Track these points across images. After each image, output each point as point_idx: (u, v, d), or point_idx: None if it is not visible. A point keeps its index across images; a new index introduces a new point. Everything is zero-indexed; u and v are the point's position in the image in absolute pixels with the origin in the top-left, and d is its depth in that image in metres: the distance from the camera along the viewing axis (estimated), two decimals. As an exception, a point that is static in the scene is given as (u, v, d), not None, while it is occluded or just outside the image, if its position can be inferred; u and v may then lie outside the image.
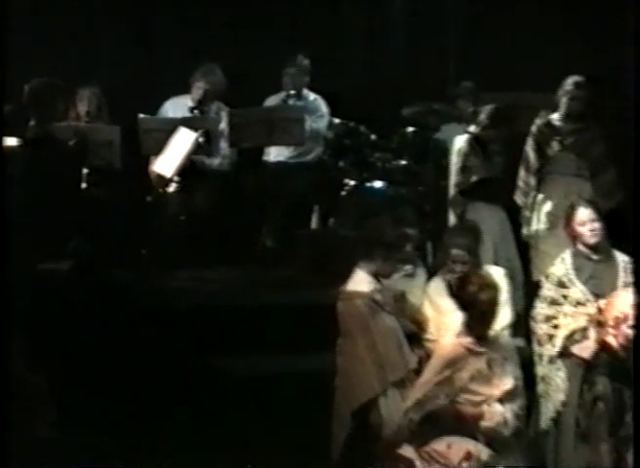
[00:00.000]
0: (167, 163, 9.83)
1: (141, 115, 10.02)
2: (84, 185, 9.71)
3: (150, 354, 8.21)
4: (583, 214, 7.89)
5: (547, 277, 7.96)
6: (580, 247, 7.84)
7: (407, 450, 6.41)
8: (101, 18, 10.75)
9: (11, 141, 8.81)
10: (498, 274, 7.58)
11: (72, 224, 9.48)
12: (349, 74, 11.08)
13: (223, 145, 10.16)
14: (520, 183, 9.34)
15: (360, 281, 7.31)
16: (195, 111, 10.16)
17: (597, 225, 7.84)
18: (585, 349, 7.28)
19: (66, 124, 9.79)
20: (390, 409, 7.02)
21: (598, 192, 9.05)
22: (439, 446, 6.31)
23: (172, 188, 9.89)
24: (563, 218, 8.14)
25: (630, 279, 7.72)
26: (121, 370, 8.02)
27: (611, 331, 6.89)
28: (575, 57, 10.21)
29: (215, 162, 10.15)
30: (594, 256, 7.82)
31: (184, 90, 10.19)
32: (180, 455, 7.31)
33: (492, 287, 6.81)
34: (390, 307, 7.31)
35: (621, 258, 7.85)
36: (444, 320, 7.41)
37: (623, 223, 8.58)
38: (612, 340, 6.87)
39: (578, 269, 7.77)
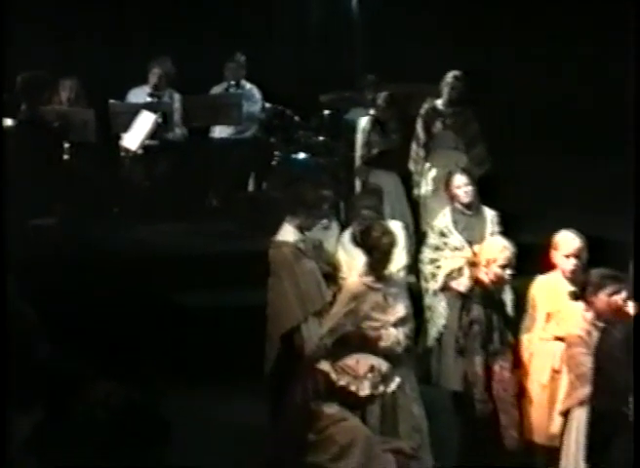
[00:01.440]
0: (132, 139, 9.80)
1: (111, 101, 9.99)
2: (66, 157, 9.66)
3: (119, 290, 8.22)
4: (459, 179, 7.97)
5: (432, 228, 8.02)
6: (457, 205, 7.91)
7: (324, 365, 6.25)
8: (80, 22, 10.67)
9: (6, 122, 8.76)
10: (395, 226, 7.54)
11: (56, 188, 9.44)
12: (278, 68, 11.06)
13: (177, 124, 10.14)
14: (412, 154, 9.41)
15: (287, 232, 7.32)
16: (153, 97, 10.13)
17: (470, 188, 7.91)
18: (462, 284, 7.30)
19: (51, 108, 9.70)
20: (310, 333, 7.03)
21: (472, 162, 9.12)
22: (349, 361, 6.14)
23: (139, 151, 9.86)
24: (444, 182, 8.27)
25: (496, 229, 7.84)
26: (96, 303, 8.04)
27: (483, 269, 6.84)
28: (455, 54, 10.29)
29: (170, 137, 10.13)
30: (468, 212, 7.90)
31: (143, 81, 10.15)
32: (146, 372, 7.29)
33: (390, 234, 6.77)
34: (310, 253, 7.32)
35: (489, 213, 7.94)
36: (354, 262, 7.37)
37: (491, 186, 8.77)
38: (484, 277, 6.84)
39: (455, 222, 7.84)
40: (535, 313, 6.81)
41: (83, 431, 5.24)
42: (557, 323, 6.65)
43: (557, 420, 6.39)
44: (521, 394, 6.67)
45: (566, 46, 10.89)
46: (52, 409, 5.41)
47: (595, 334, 6.02)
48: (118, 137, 9.92)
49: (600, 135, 10.44)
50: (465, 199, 7.88)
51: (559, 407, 6.38)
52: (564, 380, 6.39)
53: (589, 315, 6.20)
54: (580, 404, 6.10)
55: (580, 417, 6.07)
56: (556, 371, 6.54)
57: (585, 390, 6.02)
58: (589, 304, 6.22)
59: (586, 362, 6.00)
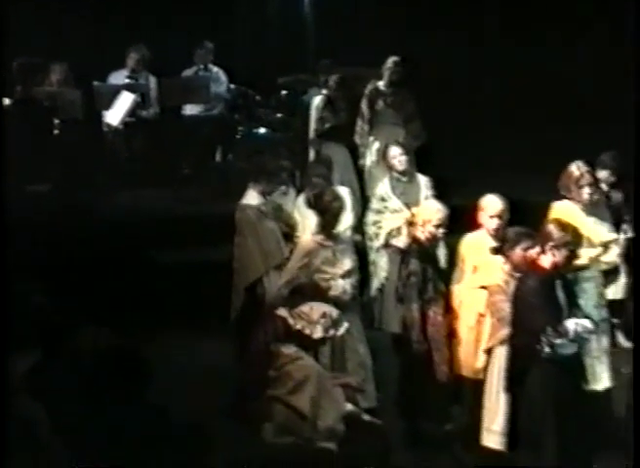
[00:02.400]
0: (114, 115, 9.76)
1: (95, 82, 9.94)
2: (56, 131, 9.64)
3: (104, 248, 8.25)
4: (394, 150, 8.04)
5: (374, 195, 8.12)
6: (394, 173, 8.00)
7: (282, 312, 6.21)
8: (68, 14, 10.58)
9: (4, 101, 8.73)
10: (344, 192, 7.53)
11: (48, 159, 9.44)
12: (241, 54, 11.06)
13: (153, 103, 10.11)
14: (358, 129, 9.43)
15: (250, 197, 7.36)
16: (131, 79, 10.08)
17: (404, 158, 7.98)
18: (401, 241, 7.38)
19: (43, 89, 9.68)
20: (271, 285, 7.06)
21: (409, 135, 9.17)
22: (304, 308, 6.16)
23: (120, 126, 9.83)
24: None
25: (430, 192, 7.89)
26: (84, 259, 8.06)
27: (420, 229, 6.76)
28: (395, 42, 10.35)
29: (146, 115, 10.10)
30: (403, 179, 7.98)
31: (122, 65, 10.09)
32: (128, 320, 7.25)
33: (340, 199, 6.81)
34: (271, 215, 7.36)
35: (422, 179, 8.02)
36: (307, 223, 7.39)
37: (426, 156, 8.89)
38: (420, 235, 6.72)
39: (393, 188, 7.92)
40: (463, 266, 6.82)
41: (74, 371, 5.30)
42: (482, 274, 6.69)
43: (482, 357, 6.47)
44: (451, 335, 6.70)
45: (497, 27, 11.00)
46: (46, 352, 5.46)
47: (512, 284, 6.12)
48: (101, 115, 9.89)
49: (521, 108, 10.57)
50: (400, 167, 7.98)
51: (483, 345, 6.47)
52: (487, 323, 6.46)
53: (507, 267, 6.33)
54: (501, 343, 6.22)
55: (501, 354, 6.19)
56: (481, 315, 6.57)
57: (505, 331, 6.15)
58: (507, 258, 6.33)
59: (505, 307, 6.12)
